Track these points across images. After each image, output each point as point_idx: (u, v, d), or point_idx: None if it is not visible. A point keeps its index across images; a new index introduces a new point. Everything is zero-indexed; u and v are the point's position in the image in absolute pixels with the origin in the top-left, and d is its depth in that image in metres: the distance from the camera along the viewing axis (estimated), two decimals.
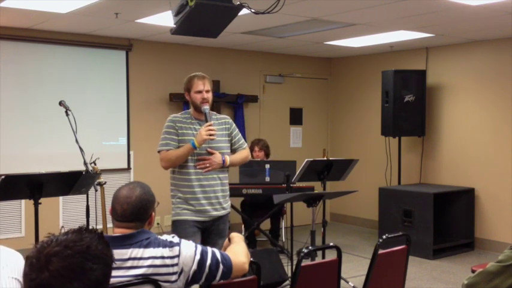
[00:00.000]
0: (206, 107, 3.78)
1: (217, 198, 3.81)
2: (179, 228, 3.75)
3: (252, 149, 6.73)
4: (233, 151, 3.95)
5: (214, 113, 3.98)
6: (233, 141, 3.95)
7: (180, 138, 3.77)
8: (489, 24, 5.86)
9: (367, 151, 7.99)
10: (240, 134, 4.02)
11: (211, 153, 3.78)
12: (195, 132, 3.77)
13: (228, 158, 3.85)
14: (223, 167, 3.85)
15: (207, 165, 3.76)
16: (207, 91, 3.80)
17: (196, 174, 3.76)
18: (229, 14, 3.40)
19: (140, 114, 6.97)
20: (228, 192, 3.94)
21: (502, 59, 6.64)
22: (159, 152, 3.82)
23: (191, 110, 3.89)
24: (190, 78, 3.85)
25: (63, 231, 1.44)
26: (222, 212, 3.86)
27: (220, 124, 3.88)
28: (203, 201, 3.76)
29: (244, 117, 7.72)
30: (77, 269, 1.35)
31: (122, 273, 2.12)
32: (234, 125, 4.00)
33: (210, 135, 3.69)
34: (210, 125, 3.71)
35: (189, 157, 3.75)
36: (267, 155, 6.77)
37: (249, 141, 7.52)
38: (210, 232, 3.83)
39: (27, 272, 1.37)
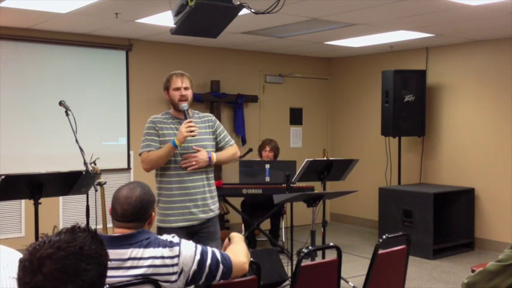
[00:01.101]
0: (184, 105, 3.63)
1: (204, 199, 3.63)
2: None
3: (262, 148, 6.71)
4: (220, 149, 3.78)
5: (197, 111, 3.82)
6: (218, 139, 3.77)
7: (161, 139, 3.63)
8: (489, 24, 5.86)
9: (367, 151, 7.98)
10: (225, 132, 3.84)
11: (196, 151, 3.62)
12: (176, 132, 3.59)
13: (214, 155, 3.67)
14: (210, 165, 3.68)
15: (193, 163, 3.60)
16: (186, 88, 3.66)
17: (179, 175, 3.59)
18: (229, 14, 3.40)
19: (140, 114, 6.95)
20: (215, 193, 3.76)
21: (502, 59, 6.64)
22: (140, 154, 3.70)
23: (171, 110, 3.75)
24: (169, 76, 3.72)
25: (56, 230, 1.42)
26: (210, 215, 3.67)
27: (203, 122, 3.74)
28: (188, 204, 3.58)
29: (244, 117, 7.72)
30: (70, 271, 1.33)
31: (122, 273, 2.12)
32: (218, 122, 3.83)
33: (191, 131, 3.53)
34: (189, 122, 3.56)
35: (172, 158, 3.58)
36: (276, 156, 6.73)
37: (249, 141, 7.54)
38: (200, 236, 3.60)
39: (21, 276, 1.35)
